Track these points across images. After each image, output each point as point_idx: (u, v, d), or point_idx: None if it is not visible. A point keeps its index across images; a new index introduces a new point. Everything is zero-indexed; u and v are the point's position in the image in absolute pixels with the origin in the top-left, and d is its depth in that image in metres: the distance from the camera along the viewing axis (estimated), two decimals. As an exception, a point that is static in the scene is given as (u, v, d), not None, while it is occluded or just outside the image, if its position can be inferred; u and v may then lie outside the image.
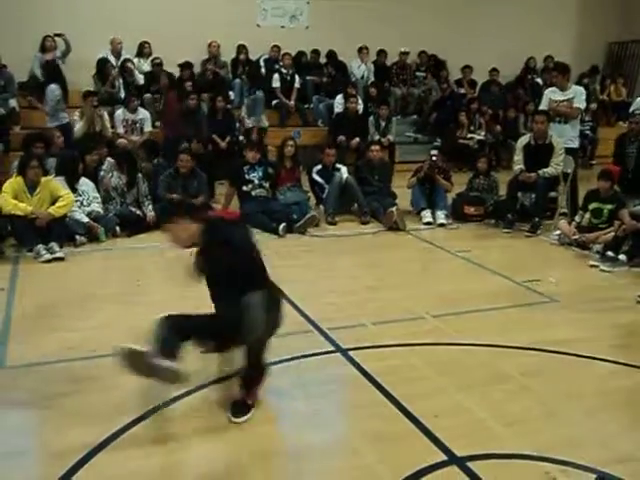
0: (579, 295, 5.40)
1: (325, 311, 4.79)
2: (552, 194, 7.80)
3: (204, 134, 9.73)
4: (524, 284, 5.60)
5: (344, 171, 8.07)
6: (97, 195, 7.08)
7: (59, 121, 9.31)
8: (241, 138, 9.98)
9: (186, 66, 10.86)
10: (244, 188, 7.60)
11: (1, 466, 2.99)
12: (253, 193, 7.59)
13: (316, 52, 12.22)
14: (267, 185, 7.69)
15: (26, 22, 10.38)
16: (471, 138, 11.56)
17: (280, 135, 9.17)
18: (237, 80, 11.37)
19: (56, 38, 10.29)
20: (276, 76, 11.36)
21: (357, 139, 10.48)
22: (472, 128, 11.76)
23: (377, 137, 10.58)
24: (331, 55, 12.23)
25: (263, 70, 11.74)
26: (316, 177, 8.14)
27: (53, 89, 9.42)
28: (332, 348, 4.24)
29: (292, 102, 11.42)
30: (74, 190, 6.80)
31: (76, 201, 6.74)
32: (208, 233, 3.55)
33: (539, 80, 13.18)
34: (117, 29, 10.71)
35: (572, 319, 4.85)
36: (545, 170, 7.34)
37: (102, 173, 7.36)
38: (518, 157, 7.58)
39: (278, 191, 7.78)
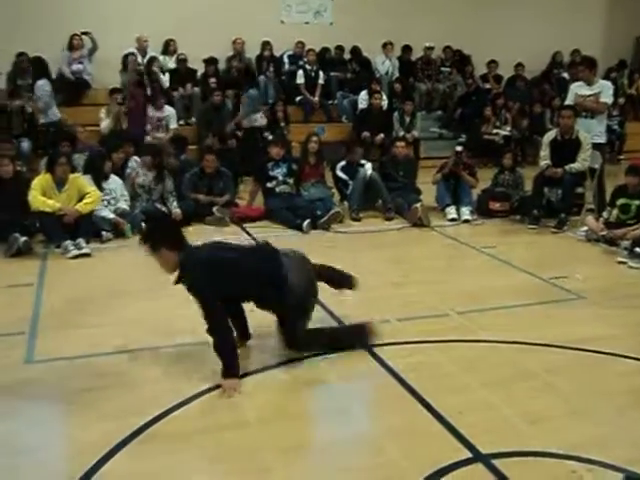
0: (607, 292, 5.33)
1: (349, 307, 4.79)
2: (579, 190, 7.71)
3: (228, 130, 9.79)
4: (550, 281, 5.54)
5: (368, 167, 8.04)
6: (125, 193, 7.13)
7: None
8: (265, 134, 10.00)
9: (210, 62, 10.94)
10: (268, 185, 7.62)
11: (26, 461, 3.04)
12: (277, 189, 7.60)
13: (340, 48, 12.20)
14: (291, 181, 7.70)
15: (53, 21, 10.49)
16: (496, 134, 11.46)
17: (304, 131, 9.18)
18: (262, 77, 11.41)
19: (83, 36, 10.43)
20: (300, 72, 11.37)
21: (382, 135, 10.45)
22: (497, 124, 11.66)
23: (402, 133, 10.54)
24: (355, 51, 12.21)
25: (287, 66, 11.77)
26: (340, 173, 8.13)
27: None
28: (356, 344, 4.24)
29: (316, 98, 11.42)
30: (101, 188, 6.87)
31: (103, 200, 6.81)
32: (180, 272, 3.75)
33: (565, 75, 13.02)
34: (143, 27, 10.80)
35: (599, 316, 4.79)
36: (572, 165, 7.26)
37: (129, 170, 7.43)
38: (544, 152, 7.49)
39: (302, 187, 7.79)
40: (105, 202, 6.86)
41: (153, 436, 3.19)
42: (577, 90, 7.61)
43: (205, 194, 7.56)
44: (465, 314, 4.78)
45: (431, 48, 12.46)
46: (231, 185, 7.87)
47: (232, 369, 3.65)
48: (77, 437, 3.21)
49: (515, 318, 4.75)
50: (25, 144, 9.04)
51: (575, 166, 7.26)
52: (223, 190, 7.66)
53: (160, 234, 3.87)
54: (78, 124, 9.18)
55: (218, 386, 3.62)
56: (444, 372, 3.89)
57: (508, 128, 11.62)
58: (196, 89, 10.76)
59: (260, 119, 9.92)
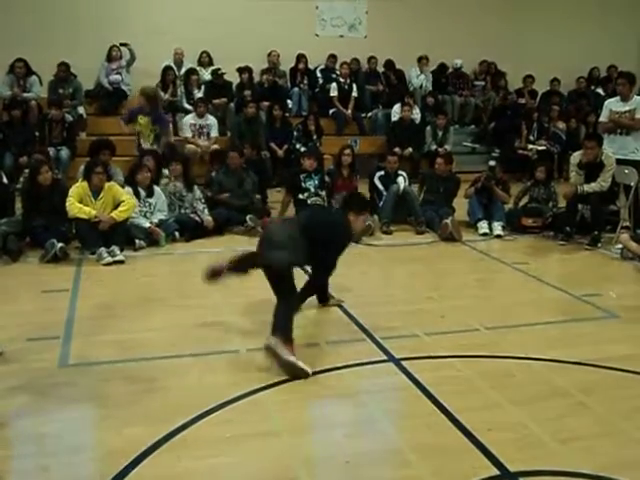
0: (641, 311, 5.25)
1: (379, 320, 4.79)
2: (614, 207, 7.62)
3: (262, 142, 9.89)
4: (583, 298, 5.47)
5: (401, 181, 8.04)
6: (165, 208, 7.17)
7: None
8: (298, 146, 10.09)
9: (244, 71, 11.03)
10: (300, 196, 7.67)
11: (56, 462, 3.09)
12: (309, 201, 7.65)
13: (374, 61, 12.25)
14: (323, 193, 7.74)
15: (93, 33, 10.75)
16: (531, 149, 11.37)
17: (337, 144, 9.22)
18: (295, 89, 11.51)
19: (121, 48, 10.63)
20: (334, 85, 11.44)
21: (409, 149, 10.45)
22: (531, 138, 11.58)
23: (434, 147, 10.53)
24: (389, 64, 12.25)
25: (320, 81, 11.84)
26: (377, 183, 8.14)
27: None
28: (385, 357, 4.23)
29: (349, 111, 11.46)
30: (139, 198, 6.98)
31: (140, 210, 6.92)
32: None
33: (600, 90, 12.91)
34: (180, 39, 10.99)
35: (633, 335, 4.71)
36: (589, 185, 7.16)
37: (164, 179, 7.52)
38: (573, 173, 7.41)
39: (334, 199, 7.82)
40: (142, 213, 6.95)
41: (181, 442, 3.21)
42: (612, 106, 7.52)
43: (235, 189, 7.66)
44: (495, 330, 4.74)
45: (459, 68, 12.44)
46: (256, 187, 7.94)
47: None
48: (107, 441, 3.26)
49: (546, 335, 4.70)
50: (64, 152, 9.22)
51: (592, 186, 7.12)
52: (252, 187, 7.77)
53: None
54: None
55: (248, 394, 3.64)
56: (473, 388, 3.86)
57: (544, 143, 11.52)
58: (228, 101, 10.87)
59: None
